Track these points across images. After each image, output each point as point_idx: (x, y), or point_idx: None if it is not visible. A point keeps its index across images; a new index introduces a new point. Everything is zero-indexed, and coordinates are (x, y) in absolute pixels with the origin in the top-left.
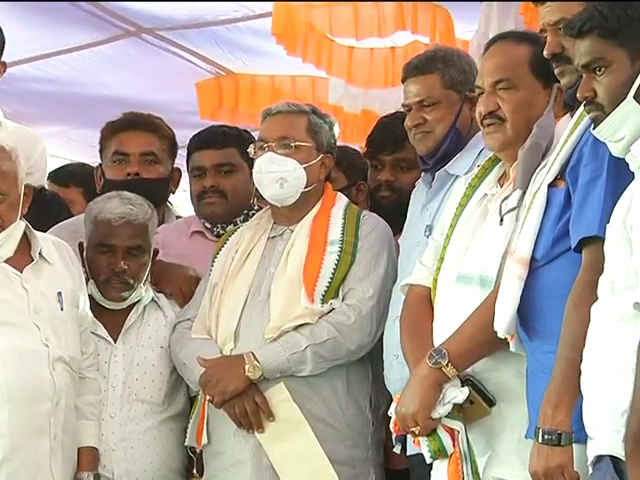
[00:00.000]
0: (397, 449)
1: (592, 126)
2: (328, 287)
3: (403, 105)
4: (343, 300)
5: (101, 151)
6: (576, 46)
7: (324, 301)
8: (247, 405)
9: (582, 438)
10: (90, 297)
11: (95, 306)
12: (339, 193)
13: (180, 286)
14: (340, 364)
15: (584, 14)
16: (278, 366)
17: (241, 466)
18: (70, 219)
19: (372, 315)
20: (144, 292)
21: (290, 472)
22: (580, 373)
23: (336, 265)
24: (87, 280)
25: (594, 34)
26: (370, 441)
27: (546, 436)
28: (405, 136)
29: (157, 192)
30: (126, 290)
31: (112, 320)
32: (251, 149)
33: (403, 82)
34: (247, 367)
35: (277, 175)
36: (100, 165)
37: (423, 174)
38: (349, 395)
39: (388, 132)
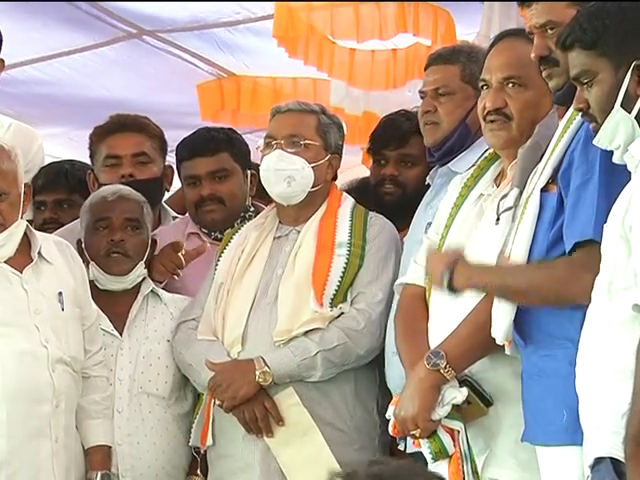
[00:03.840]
0: (402, 446)
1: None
2: (337, 291)
3: (420, 92)
4: (352, 304)
5: (91, 156)
6: (569, 59)
7: (333, 305)
8: (257, 410)
9: (577, 440)
10: (92, 285)
11: (97, 295)
12: (345, 193)
13: (160, 262)
14: (348, 368)
15: (566, 28)
16: (288, 372)
17: (249, 470)
18: (74, 222)
19: (381, 319)
20: (144, 272)
21: (299, 476)
22: None
23: (344, 268)
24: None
25: (577, 47)
26: (377, 443)
27: None
28: (410, 132)
29: (153, 192)
30: (126, 263)
31: (116, 312)
32: (259, 145)
33: (425, 69)
34: (258, 373)
35: (285, 173)
36: (92, 170)
37: (431, 173)
38: (357, 398)
39: (393, 128)
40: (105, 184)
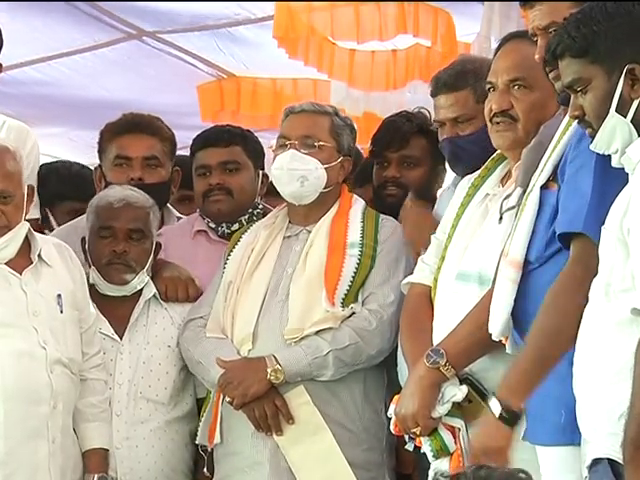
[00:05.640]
0: (410, 446)
1: (589, 141)
2: (348, 291)
3: (435, 121)
4: (363, 304)
5: (100, 152)
6: (559, 68)
7: (344, 304)
8: (267, 408)
9: (575, 440)
10: (93, 288)
11: (98, 299)
12: (355, 195)
13: (167, 284)
14: (358, 368)
15: (555, 38)
16: (299, 370)
17: (258, 467)
18: (75, 219)
19: (392, 320)
20: (145, 279)
21: (308, 475)
22: (547, 364)
23: (356, 269)
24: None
25: (567, 56)
26: (385, 444)
27: (504, 413)
28: (411, 133)
29: (160, 196)
30: (128, 273)
31: (117, 316)
32: (272, 145)
33: (433, 96)
34: (269, 370)
35: (298, 173)
36: (100, 166)
37: (454, 178)
38: (366, 399)
39: (395, 130)
40: (112, 183)
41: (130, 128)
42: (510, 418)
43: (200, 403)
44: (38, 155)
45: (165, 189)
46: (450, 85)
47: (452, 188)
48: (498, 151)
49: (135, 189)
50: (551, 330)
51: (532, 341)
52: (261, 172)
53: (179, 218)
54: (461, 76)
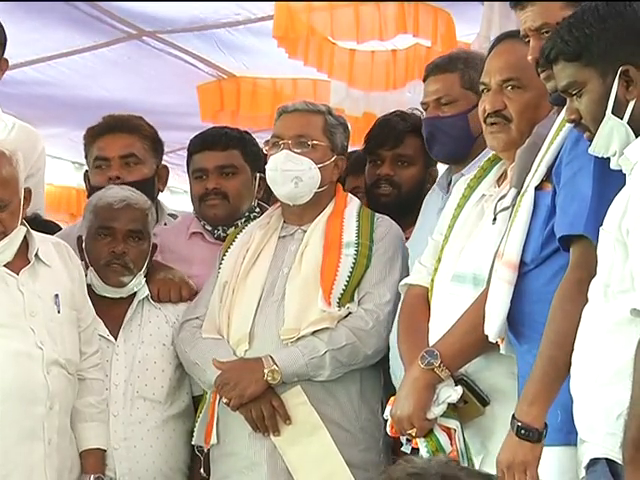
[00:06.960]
0: (407, 448)
1: (587, 143)
2: (344, 290)
3: (422, 103)
4: (359, 304)
5: (86, 157)
6: (554, 72)
7: (340, 304)
8: (264, 408)
9: (572, 441)
10: (89, 288)
11: (93, 299)
12: (350, 195)
13: (159, 287)
14: (355, 368)
15: (548, 42)
16: (296, 370)
17: (256, 468)
18: (68, 226)
19: (389, 320)
20: (142, 281)
21: (306, 475)
22: (561, 372)
23: (352, 268)
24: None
25: (561, 60)
26: (382, 444)
27: (523, 431)
28: (405, 132)
29: (143, 194)
30: (126, 275)
31: (111, 317)
32: (265, 145)
33: (424, 81)
34: (266, 371)
35: (293, 174)
36: (87, 171)
37: (439, 179)
38: (362, 399)
39: (389, 128)
40: (96, 186)
41: (108, 129)
42: (532, 435)
43: (196, 401)
44: (45, 159)
45: (148, 186)
46: (440, 67)
47: (437, 189)
48: (493, 152)
49: (134, 190)
50: (561, 338)
51: (544, 351)
52: (258, 175)
53: (171, 215)
54: (452, 60)
